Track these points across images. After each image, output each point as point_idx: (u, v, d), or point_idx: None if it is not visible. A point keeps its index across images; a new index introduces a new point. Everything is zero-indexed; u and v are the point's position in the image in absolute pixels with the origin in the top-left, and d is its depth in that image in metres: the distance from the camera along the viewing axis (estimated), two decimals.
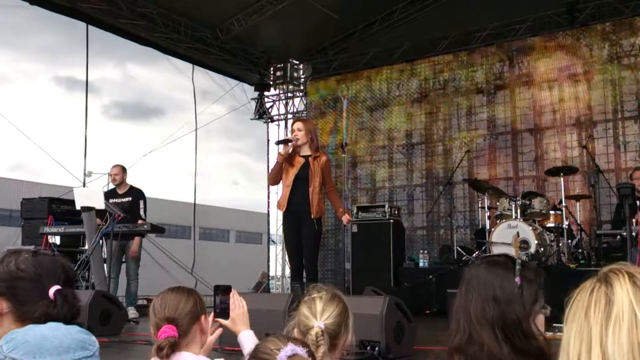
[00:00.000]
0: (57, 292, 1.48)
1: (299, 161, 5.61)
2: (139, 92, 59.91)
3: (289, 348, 1.40)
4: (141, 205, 7.56)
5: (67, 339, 1.21)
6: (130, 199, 7.53)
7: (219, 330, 2.28)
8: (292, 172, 5.60)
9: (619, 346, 0.95)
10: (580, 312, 1.02)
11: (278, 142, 5.87)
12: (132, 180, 7.84)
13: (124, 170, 7.73)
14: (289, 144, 5.59)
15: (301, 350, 1.42)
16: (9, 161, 62.09)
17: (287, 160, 5.61)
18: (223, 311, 2.36)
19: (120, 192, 7.63)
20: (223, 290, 2.39)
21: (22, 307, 1.49)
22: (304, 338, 1.79)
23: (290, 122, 11.81)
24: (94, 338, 1.27)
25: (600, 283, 1.04)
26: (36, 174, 62.83)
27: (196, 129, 11.28)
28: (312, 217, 5.51)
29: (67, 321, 1.42)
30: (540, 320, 1.60)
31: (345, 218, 5.76)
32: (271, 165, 11.74)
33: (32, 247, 1.64)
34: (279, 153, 5.64)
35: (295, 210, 5.60)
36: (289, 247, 5.94)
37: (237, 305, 2.37)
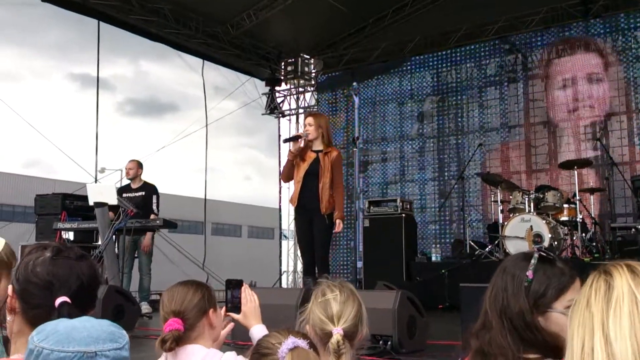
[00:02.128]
0: (60, 305, 1.47)
1: (310, 156, 5.60)
2: (152, 88, 60.19)
3: (290, 341, 1.40)
4: (154, 201, 7.59)
5: (97, 330, 1.22)
6: (143, 193, 7.57)
7: (231, 325, 2.28)
8: (303, 168, 5.58)
9: (621, 328, 0.96)
10: (581, 302, 1.04)
11: (286, 140, 5.83)
12: (145, 175, 7.88)
13: (139, 165, 7.76)
14: (299, 139, 5.56)
15: (302, 342, 1.42)
16: (24, 158, 62.75)
17: (298, 155, 5.59)
18: (235, 306, 2.35)
19: (133, 186, 7.67)
20: (234, 285, 2.38)
21: (30, 311, 1.50)
22: (321, 340, 1.78)
23: (301, 117, 11.82)
24: (124, 332, 1.28)
25: (600, 274, 1.06)
26: (52, 170, 63.43)
27: (206, 125, 11.30)
28: (323, 212, 5.50)
29: None
30: (552, 318, 1.58)
31: (338, 227, 5.59)
32: (283, 161, 11.91)
33: (55, 244, 1.63)
34: (290, 151, 5.63)
35: (306, 206, 5.58)
36: (300, 243, 5.93)
37: (249, 299, 2.37)
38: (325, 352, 1.75)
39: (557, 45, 9.78)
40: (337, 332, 1.76)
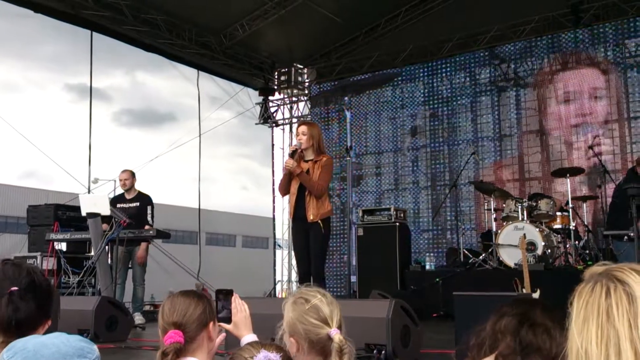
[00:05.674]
0: (9, 293, 1.58)
1: (303, 167, 5.60)
2: (148, 99, 59.96)
3: (262, 355, 1.39)
4: (149, 211, 7.56)
5: (65, 346, 1.23)
6: (137, 204, 7.53)
7: (222, 335, 2.26)
8: (296, 180, 5.59)
9: None
10: (598, 315, 0.98)
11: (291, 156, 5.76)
12: (139, 185, 7.85)
13: (133, 175, 7.73)
14: (296, 153, 5.56)
15: (275, 356, 1.41)
16: (20, 169, 62.51)
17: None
18: (225, 316, 2.34)
19: (128, 197, 7.63)
20: (225, 295, 2.37)
21: None
22: (314, 346, 1.77)
23: (294, 126, 11.82)
24: (94, 347, 1.29)
25: (614, 283, 0.99)
26: (47, 182, 63.04)
27: (199, 135, 11.32)
28: (311, 220, 5.48)
29: (16, 323, 1.54)
30: None
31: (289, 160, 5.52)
32: (276, 170, 11.96)
33: (11, 257, 1.86)
34: (286, 165, 5.63)
35: (301, 217, 5.59)
36: (296, 252, 5.93)
37: (239, 309, 2.35)
38: (318, 357, 1.75)
39: (549, 54, 9.84)
40: (336, 332, 1.76)
